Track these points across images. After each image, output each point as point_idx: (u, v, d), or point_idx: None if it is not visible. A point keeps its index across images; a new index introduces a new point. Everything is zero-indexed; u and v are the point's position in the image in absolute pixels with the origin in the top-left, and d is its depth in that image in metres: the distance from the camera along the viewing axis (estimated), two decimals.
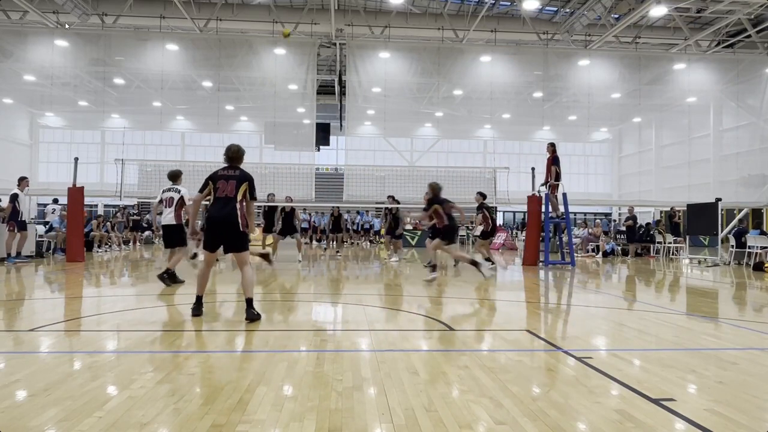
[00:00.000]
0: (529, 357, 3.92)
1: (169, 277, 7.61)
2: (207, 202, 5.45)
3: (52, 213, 14.00)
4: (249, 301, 5.13)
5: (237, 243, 5.20)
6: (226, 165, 5.42)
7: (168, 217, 7.88)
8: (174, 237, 7.92)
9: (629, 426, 2.57)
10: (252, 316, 5.06)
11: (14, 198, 11.57)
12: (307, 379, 3.26)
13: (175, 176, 8.11)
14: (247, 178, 5.29)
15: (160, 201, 8.06)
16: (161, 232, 8.73)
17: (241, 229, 5.17)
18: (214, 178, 5.27)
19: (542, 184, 12.96)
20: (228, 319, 5.37)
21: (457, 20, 19.80)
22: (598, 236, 17.46)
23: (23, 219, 11.60)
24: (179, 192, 7.91)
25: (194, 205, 5.52)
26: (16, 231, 11.39)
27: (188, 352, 3.90)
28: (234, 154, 5.45)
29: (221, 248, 5.31)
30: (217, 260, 10.07)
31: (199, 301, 5.23)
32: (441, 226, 8.92)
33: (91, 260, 12.50)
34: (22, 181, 11.94)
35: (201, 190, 5.32)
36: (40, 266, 10.87)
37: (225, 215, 5.12)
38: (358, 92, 18.50)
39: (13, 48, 17.94)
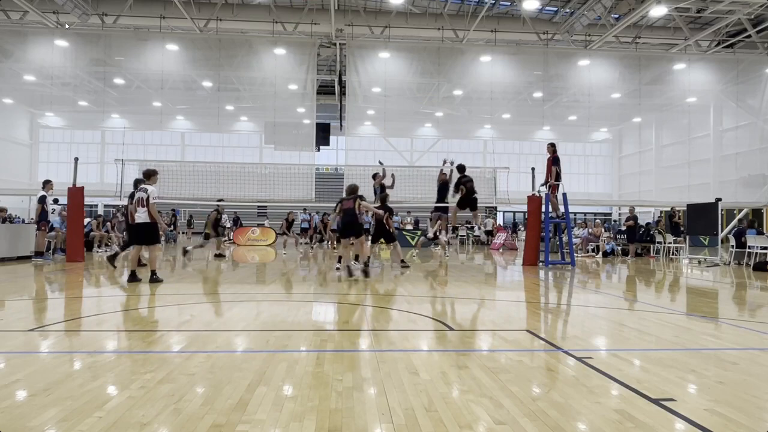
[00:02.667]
0: (529, 357, 3.92)
1: (130, 276, 7.96)
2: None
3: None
4: (366, 263, 9.46)
5: (356, 233, 9.23)
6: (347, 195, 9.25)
7: (141, 216, 8.05)
8: (146, 235, 8.12)
9: (629, 426, 2.57)
10: (367, 272, 9.04)
11: (42, 200, 12.05)
12: (307, 379, 3.26)
13: (147, 175, 8.32)
14: (358, 197, 9.09)
15: (134, 201, 8.27)
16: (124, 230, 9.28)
17: (358, 226, 9.22)
18: (342, 200, 9.26)
19: (542, 184, 12.95)
20: (228, 319, 5.37)
21: (457, 20, 19.80)
22: (598, 236, 17.45)
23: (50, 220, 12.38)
24: (146, 191, 8.08)
25: (336, 215, 9.60)
26: (46, 230, 12.06)
27: (188, 352, 3.90)
28: (352, 188, 9.27)
29: None
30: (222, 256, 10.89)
31: (366, 263, 9.55)
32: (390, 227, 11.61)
33: (91, 260, 12.50)
34: (47, 184, 12.38)
35: (335, 210, 9.52)
36: (43, 266, 10.88)
37: (349, 220, 9.07)
38: (358, 92, 18.50)
39: (13, 48, 17.95)
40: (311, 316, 5.77)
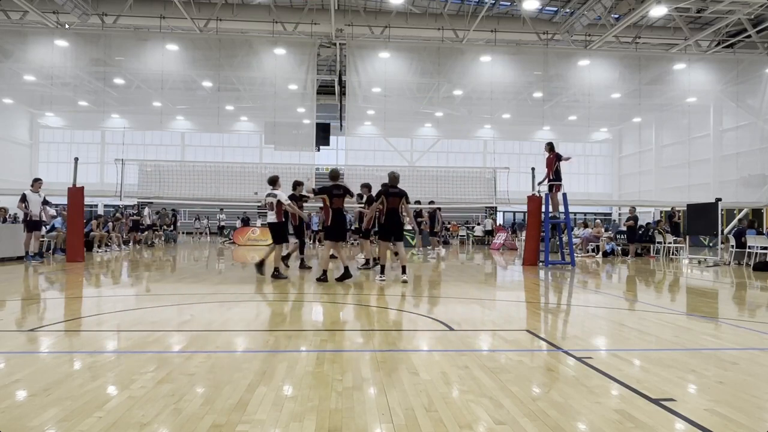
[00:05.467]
0: (529, 357, 3.92)
1: (260, 270, 8.88)
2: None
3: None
4: (403, 267, 8.52)
5: (401, 234, 8.88)
6: (390, 186, 8.75)
7: (271, 218, 9.12)
8: (274, 233, 9.15)
9: (629, 426, 2.57)
10: (405, 280, 8.32)
11: (23, 198, 11.93)
12: (307, 379, 3.26)
13: (272, 181, 9.11)
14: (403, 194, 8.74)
15: (265, 205, 9.42)
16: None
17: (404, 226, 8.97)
18: (386, 194, 8.58)
19: (540, 182, 12.94)
20: (228, 319, 5.37)
21: (457, 20, 19.79)
22: (598, 236, 17.44)
23: (34, 219, 11.93)
24: (275, 196, 8.97)
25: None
26: (24, 231, 11.84)
27: (188, 352, 3.90)
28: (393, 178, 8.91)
29: None
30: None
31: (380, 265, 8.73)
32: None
33: (91, 260, 12.50)
34: (36, 183, 12.27)
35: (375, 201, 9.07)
36: (41, 266, 10.87)
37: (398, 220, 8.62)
38: (358, 92, 18.48)
39: (13, 48, 17.94)
40: (311, 316, 5.77)
